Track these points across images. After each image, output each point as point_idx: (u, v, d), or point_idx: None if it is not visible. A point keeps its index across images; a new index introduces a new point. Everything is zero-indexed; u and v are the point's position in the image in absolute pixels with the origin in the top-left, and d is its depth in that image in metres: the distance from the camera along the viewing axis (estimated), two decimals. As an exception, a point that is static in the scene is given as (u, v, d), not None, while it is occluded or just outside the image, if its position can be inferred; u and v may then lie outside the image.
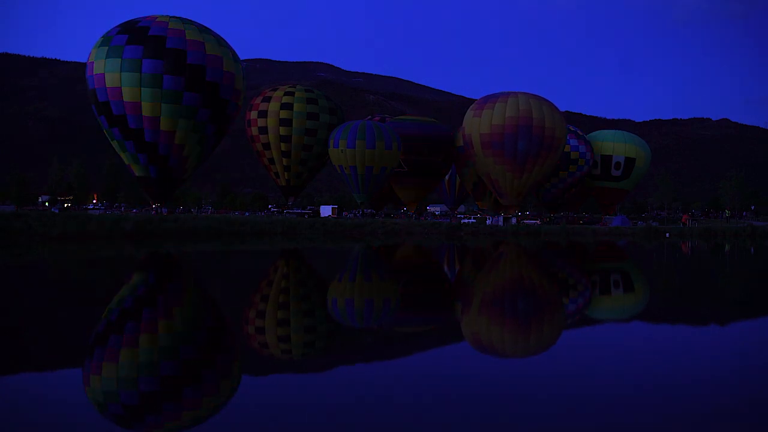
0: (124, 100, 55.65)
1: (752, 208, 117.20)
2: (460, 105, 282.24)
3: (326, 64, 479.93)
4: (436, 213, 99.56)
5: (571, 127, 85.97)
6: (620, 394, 7.73)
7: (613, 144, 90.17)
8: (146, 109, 55.82)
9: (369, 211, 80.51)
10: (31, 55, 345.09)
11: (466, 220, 73.02)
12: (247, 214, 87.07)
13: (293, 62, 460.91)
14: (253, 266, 28.48)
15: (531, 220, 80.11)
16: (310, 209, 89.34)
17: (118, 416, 6.93)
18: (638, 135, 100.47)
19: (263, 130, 76.03)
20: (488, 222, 70.09)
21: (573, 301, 17.04)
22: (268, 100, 76.73)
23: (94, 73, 56.72)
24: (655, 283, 23.13)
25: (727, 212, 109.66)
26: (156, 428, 6.79)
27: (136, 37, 56.16)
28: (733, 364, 9.68)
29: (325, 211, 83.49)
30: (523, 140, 69.33)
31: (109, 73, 55.61)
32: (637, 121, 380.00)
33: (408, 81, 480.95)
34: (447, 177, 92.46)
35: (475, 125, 71.99)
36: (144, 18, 58.92)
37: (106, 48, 56.19)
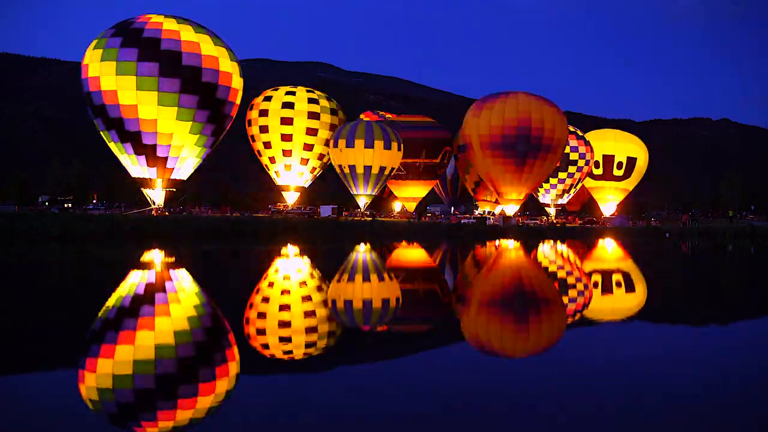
0: (120, 103, 55.70)
1: (752, 208, 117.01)
2: (460, 105, 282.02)
3: (326, 64, 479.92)
4: (437, 213, 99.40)
5: (571, 128, 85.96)
6: (620, 394, 7.69)
7: (614, 143, 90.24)
8: (143, 112, 55.87)
9: (369, 211, 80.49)
10: (31, 55, 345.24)
11: (466, 220, 73.01)
12: (246, 214, 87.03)
13: (293, 62, 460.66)
14: (253, 266, 28.44)
15: (531, 220, 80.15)
16: (310, 209, 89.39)
17: (113, 416, 6.90)
18: (638, 135, 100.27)
19: (264, 129, 76.14)
20: (488, 222, 70.11)
21: (573, 300, 16.99)
22: (269, 99, 76.88)
23: (88, 76, 56.74)
24: (654, 284, 23.09)
25: (731, 212, 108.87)
26: (153, 427, 6.75)
27: (130, 39, 56.06)
28: (733, 365, 9.64)
29: (325, 211, 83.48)
30: (522, 142, 69.31)
31: (104, 76, 55.61)
32: (637, 121, 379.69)
33: (408, 81, 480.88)
34: (447, 177, 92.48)
35: (474, 126, 71.99)
36: (138, 18, 58.73)
37: (101, 51, 56.16)
